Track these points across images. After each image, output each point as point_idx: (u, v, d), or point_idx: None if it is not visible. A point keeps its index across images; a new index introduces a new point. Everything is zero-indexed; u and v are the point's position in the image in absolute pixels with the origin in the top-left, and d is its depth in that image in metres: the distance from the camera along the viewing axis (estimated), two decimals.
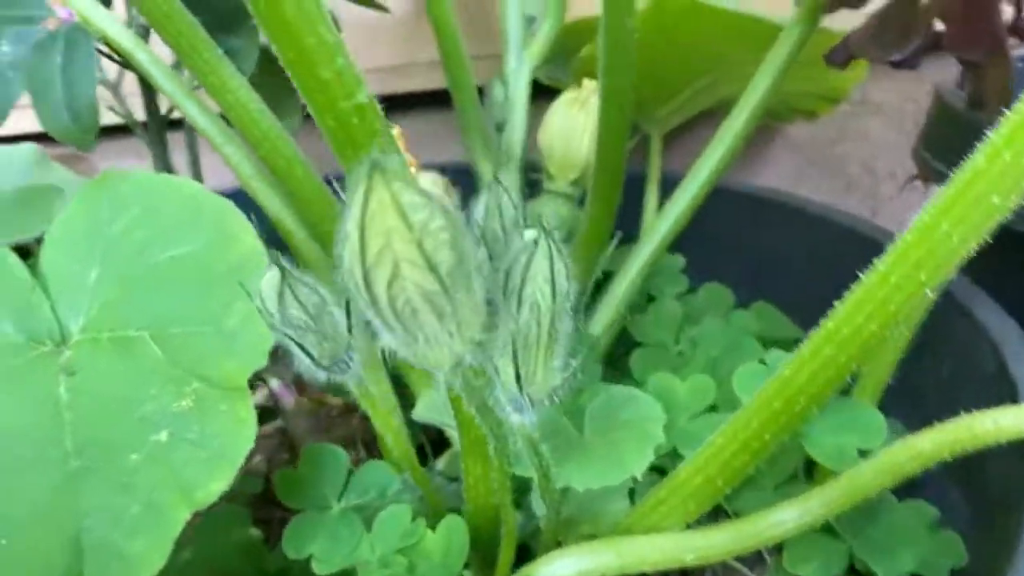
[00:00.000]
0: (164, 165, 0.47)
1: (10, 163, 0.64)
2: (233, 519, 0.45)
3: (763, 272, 0.68)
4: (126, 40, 0.41)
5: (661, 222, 0.54)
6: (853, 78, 0.75)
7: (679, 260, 0.65)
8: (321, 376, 0.27)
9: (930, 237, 0.24)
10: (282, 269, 0.23)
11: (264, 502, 0.49)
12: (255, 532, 0.48)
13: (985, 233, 0.23)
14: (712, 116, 0.77)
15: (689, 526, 0.35)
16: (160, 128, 0.48)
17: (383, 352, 0.20)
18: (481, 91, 0.60)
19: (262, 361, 0.33)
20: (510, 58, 0.59)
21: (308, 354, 0.25)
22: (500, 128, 0.55)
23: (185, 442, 0.33)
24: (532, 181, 0.59)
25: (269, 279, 0.23)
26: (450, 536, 0.34)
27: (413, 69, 0.81)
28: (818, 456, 0.35)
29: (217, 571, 0.43)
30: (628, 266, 0.54)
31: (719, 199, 0.68)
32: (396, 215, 0.15)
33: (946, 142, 0.51)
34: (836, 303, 0.28)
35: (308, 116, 0.64)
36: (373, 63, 0.80)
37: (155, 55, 0.42)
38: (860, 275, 0.28)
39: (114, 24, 0.41)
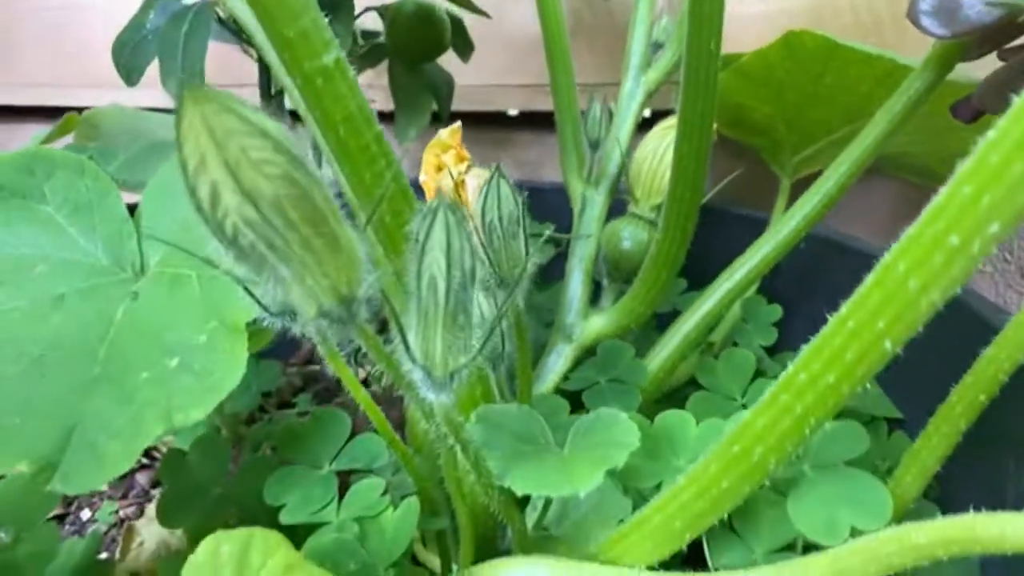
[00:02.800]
0: None
1: None
2: (266, 468, 0.48)
3: None
4: (251, 21, 0.46)
5: (747, 258, 0.51)
6: None
7: (776, 311, 0.60)
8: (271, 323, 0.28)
9: (888, 280, 0.21)
10: None
11: None
12: None
13: (950, 282, 0.20)
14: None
15: (656, 568, 0.33)
16: (269, 101, 0.53)
17: None
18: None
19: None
20: (627, 80, 0.59)
21: (253, 296, 0.26)
22: (595, 147, 0.54)
23: (189, 372, 0.35)
24: (625, 201, 0.58)
25: None
26: (404, 516, 0.34)
27: None
28: (800, 525, 0.31)
29: (240, 508, 0.46)
30: (698, 305, 0.51)
31: (846, 257, 0.63)
32: (206, 136, 0.16)
33: None
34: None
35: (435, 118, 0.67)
36: (521, 80, 0.82)
37: None
38: None
39: (243, 6, 0.46)
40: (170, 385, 0.35)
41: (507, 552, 0.41)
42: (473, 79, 0.77)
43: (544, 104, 0.82)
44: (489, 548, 0.40)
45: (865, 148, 0.47)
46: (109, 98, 0.98)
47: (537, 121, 0.84)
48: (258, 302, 0.26)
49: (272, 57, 0.42)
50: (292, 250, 0.19)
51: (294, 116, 0.61)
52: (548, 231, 0.77)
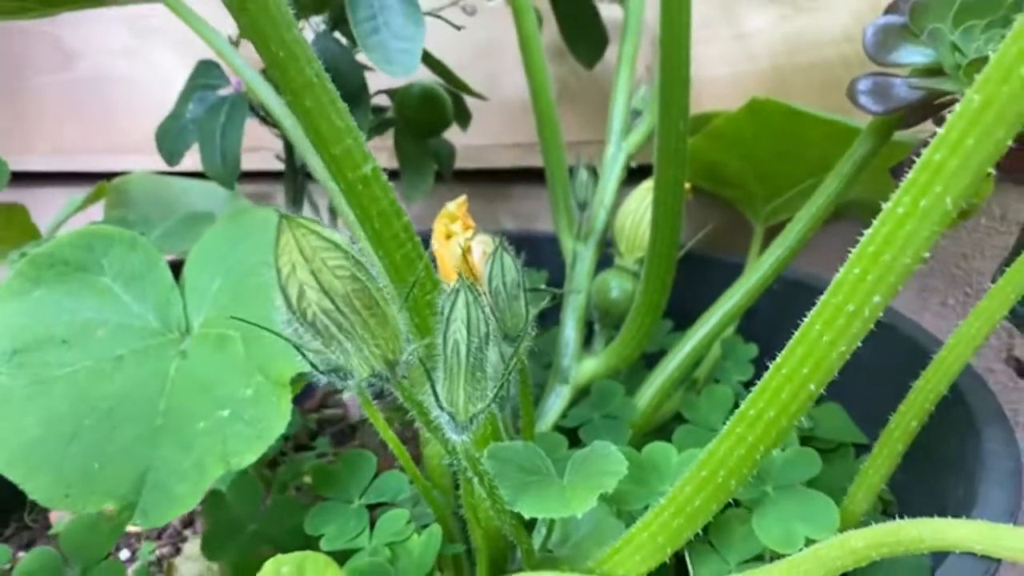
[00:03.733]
0: (295, 206, 0.59)
1: (214, 195, 0.80)
2: (294, 508, 0.54)
3: (846, 375, 0.68)
4: (278, 109, 0.53)
5: (724, 302, 0.57)
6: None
7: (752, 349, 0.66)
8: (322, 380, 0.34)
9: (808, 336, 0.27)
10: None
11: None
12: None
13: (852, 338, 0.26)
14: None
15: None
16: (295, 176, 0.59)
17: None
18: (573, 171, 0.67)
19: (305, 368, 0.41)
20: (610, 145, 0.66)
21: (308, 360, 0.32)
22: (582, 207, 0.61)
23: (240, 420, 0.41)
24: (611, 255, 0.64)
25: None
26: (428, 541, 0.40)
27: None
28: (763, 539, 0.37)
29: (273, 542, 0.52)
30: (680, 346, 0.57)
31: (813, 297, 0.70)
32: (297, 252, 0.22)
33: None
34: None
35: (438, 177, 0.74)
36: (514, 140, 0.90)
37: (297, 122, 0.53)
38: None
39: (272, 96, 0.53)
40: (225, 433, 0.41)
41: (516, 571, 0.47)
42: (471, 140, 0.84)
43: (535, 161, 0.89)
44: (500, 569, 0.46)
45: (820, 206, 0.54)
46: (129, 162, 1.05)
47: (530, 176, 0.91)
48: (312, 364, 0.32)
49: (311, 156, 0.49)
50: (355, 329, 0.25)
51: (308, 176, 0.68)
52: (543, 278, 0.84)
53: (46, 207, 0.93)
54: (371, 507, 0.46)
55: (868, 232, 0.24)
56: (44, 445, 0.40)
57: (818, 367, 0.27)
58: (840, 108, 0.81)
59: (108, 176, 1.06)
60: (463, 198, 0.49)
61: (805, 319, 0.28)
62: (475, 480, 0.35)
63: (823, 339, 0.27)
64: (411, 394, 0.30)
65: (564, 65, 0.85)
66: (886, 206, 0.24)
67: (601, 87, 0.84)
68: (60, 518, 0.67)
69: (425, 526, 0.43)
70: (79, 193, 1.04)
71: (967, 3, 0.46)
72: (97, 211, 0.82)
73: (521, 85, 0.89)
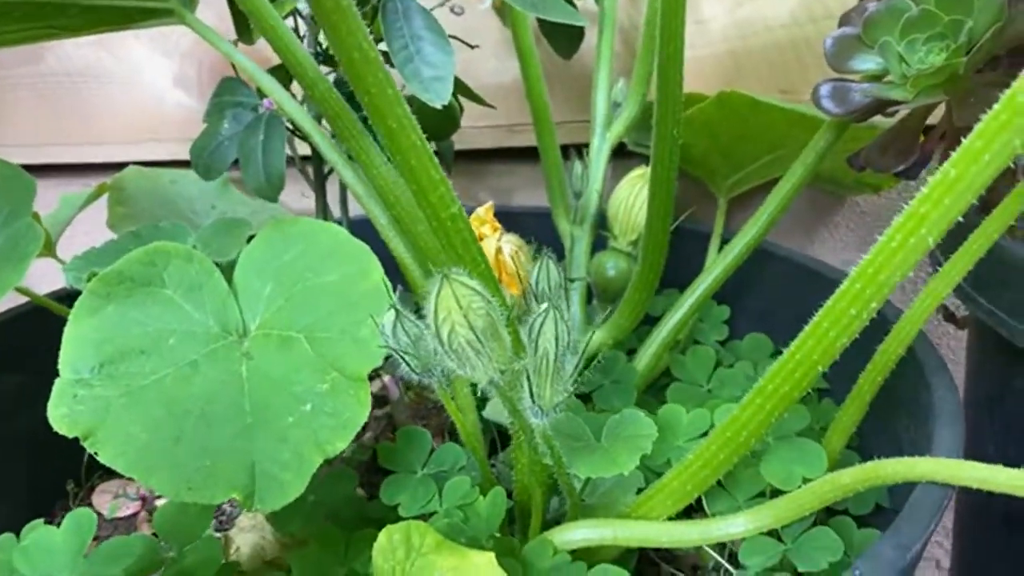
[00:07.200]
0: (323, 209, 0.64)
1: (206, 185, 0.84)
2: (346, 478, 0.61)
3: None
4: (307, 123, 0.58)
5: (705, 276, 0.66)
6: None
7: (724, 311, 0.76)
8: (415, 379, 0.41)
9: (817, 331, 0.36)
10: (397, 311, 0.37)
11: (370, 468, 0.65)
12: (360, 490, 0.63)
13: (850, 334, 0.35)
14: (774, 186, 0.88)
15: (672, 519, 0.47)
16: (323, 183, 0.65)
17: None
18: (566, 150, 0.74)
19: (378, 362, 0.48)
20: (594, 137, 0.73)
21: (408, 364, 0.39)
22: (577, 195, 0.68)
23: (323, 413, 0.48)
24: (604, 237, 0.72)
25: (389, 315, 0.38)
26: (494, 502, 0.48)
27: (527, 128, 0.97)
28: (769, 479, 0.46)
29: (331, 513, 0.59)
30: (672, 313, 0.66)
31: (774, 263, 0.79)
32: (454, 301, 0.29)
33: None
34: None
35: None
36: (494, 122, 0.95)
37: (325, 134, 0.58)
38: None
39: (300, 111, 0.58)
40: (313, 425, 0.47)
41: (554, 518, 0.55)
42: None
43: (512, 142, 0.96)
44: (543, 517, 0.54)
45: (787, 191, 0.63)
46: (108, 153, 1.07)
47: (507, 154, 0.97)
48: (410, 367, 0.39)
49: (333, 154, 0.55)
50: (484, 350, 0.32)
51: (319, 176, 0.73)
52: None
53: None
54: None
55: (867, 256, 0.33)
56: (154, 449, 0.46)
57: (825, 354, 0.36)
58: (789, 85, 0.90)
59: (80, 167, 1.07)
60: (490, 204, 0.55)
61: (816, 316, 0.36)
62: (543, 448, 0.43)
63: (829, 334, 0.35)
64: (504, 391, 0.37)
65: (542, 50, 0.91)
66: (881, 239, 0.32)
67: (579, 70, 0.91)
68: (107, 504, 0.72)
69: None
70: (55, 185, 1.05)
71: (911, 19, 0.54)
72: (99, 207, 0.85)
73: (497, 71, 0.95)
